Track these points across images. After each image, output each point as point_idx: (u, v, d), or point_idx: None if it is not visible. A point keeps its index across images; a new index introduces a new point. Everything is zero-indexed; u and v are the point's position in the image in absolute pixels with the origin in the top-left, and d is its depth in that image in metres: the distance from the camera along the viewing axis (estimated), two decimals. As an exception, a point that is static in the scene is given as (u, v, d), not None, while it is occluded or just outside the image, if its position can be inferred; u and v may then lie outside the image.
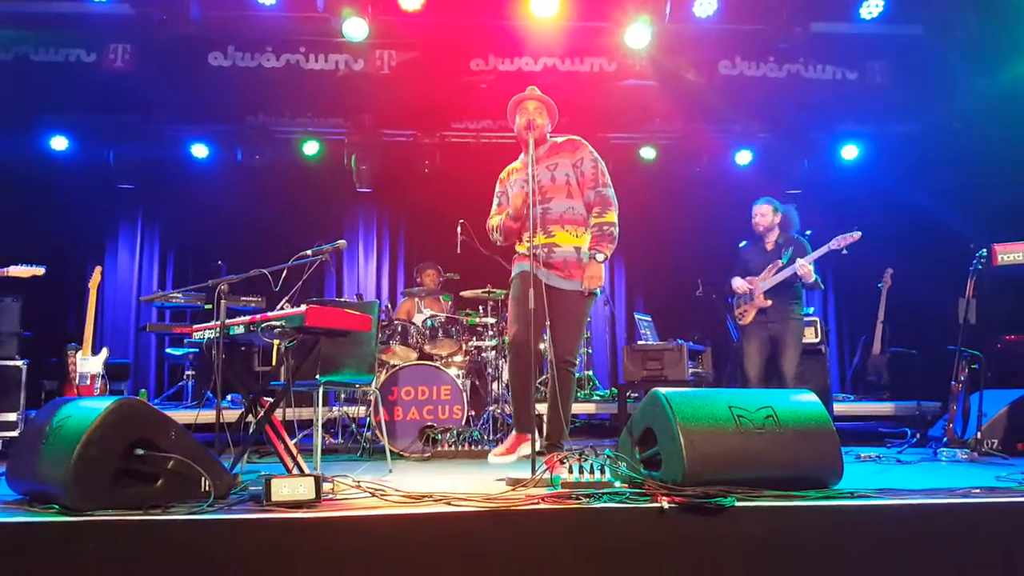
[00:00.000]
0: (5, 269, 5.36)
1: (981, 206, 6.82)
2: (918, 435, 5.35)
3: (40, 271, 5.47)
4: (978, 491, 3.02)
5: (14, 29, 7.18)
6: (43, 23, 7.21)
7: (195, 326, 3.85)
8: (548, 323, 3.79)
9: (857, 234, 5.34)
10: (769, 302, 5.44)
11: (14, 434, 5.34)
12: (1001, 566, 2.69)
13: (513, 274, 4.34)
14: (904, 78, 7.92)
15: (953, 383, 4.92)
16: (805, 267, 5.29)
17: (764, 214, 5.62)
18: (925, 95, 7.89)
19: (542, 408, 4.91)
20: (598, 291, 4.16)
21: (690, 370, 6.50)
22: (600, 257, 4.05)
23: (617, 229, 4.12)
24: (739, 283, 5.60)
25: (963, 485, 3.15)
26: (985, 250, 4.47)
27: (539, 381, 4.67)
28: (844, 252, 5.39)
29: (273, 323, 3.29)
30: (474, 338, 6.13)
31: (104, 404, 2.80)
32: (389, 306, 7.52)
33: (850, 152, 8.60)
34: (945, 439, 4.88)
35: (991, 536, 2.74)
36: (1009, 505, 2.83)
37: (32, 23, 7.19)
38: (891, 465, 4.41)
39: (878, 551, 2.68)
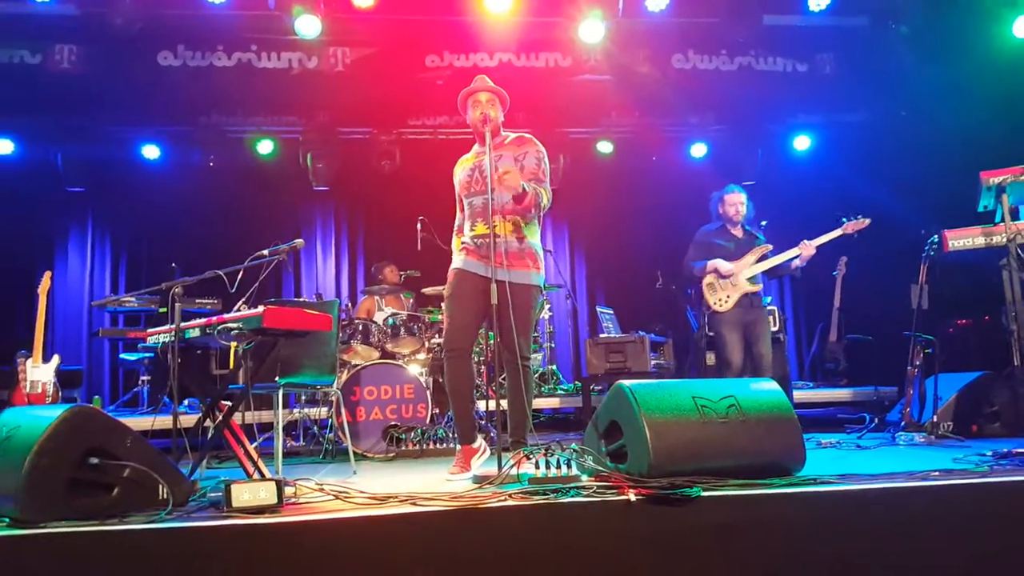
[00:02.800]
0: None
1: (930, 193, 6.96)
2: (876, 420, 5.45)
3: None
4: (937, 473, 3.07)
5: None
6: (-16, 24, 7.01)
7: (149, 330, 3.76)
8: (497, 320, 3.68)
9: (867, 220, 5.37)
10: (760, 286, 5.48)
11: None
12: (961, 546, 2.73)
13: (451, 267, 4.07)
14: (852, 69, 8.07)
15: (909, 368, 5.02)
16: (810, 249, 5.34)
17: (743, 202, 5.56)
18: (873, 86, 8.05)
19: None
20: (542, 279, 4.00)
21: (652, 361, 6.56)
22: (517, 183, 3.72)
23: (545, 201, 3.88)
24: (726, 266, 5.40)
25: (922, 468, 3.20)
26: (936, 236, 4.54)
27: (500, 378, 4.63)
28: (855, 237, 5.42)
29: (230, 325, 3.22)
30: (436, 335, 6.08)
31: (56, 412, 2.72)
32: (349, 305, 7.44)
33: (802, 143, 8.75)
34: (903, 423, 4.97)
35: (951, 517, 2.78)
36: (967, 486, 2.89)
37: (-27, 24, 6.97)
38: (851, 450, 4.47)
39: (842, 535, 2.72)
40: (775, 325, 6.73)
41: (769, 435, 3.12)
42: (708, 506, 2.70)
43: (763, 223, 5.79)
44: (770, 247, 5.50)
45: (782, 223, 5.63)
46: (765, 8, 7.39)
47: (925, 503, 2.81)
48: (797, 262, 5.44)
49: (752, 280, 5.45)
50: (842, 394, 7.05)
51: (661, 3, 7.16)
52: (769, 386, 3.35)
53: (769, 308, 6.65)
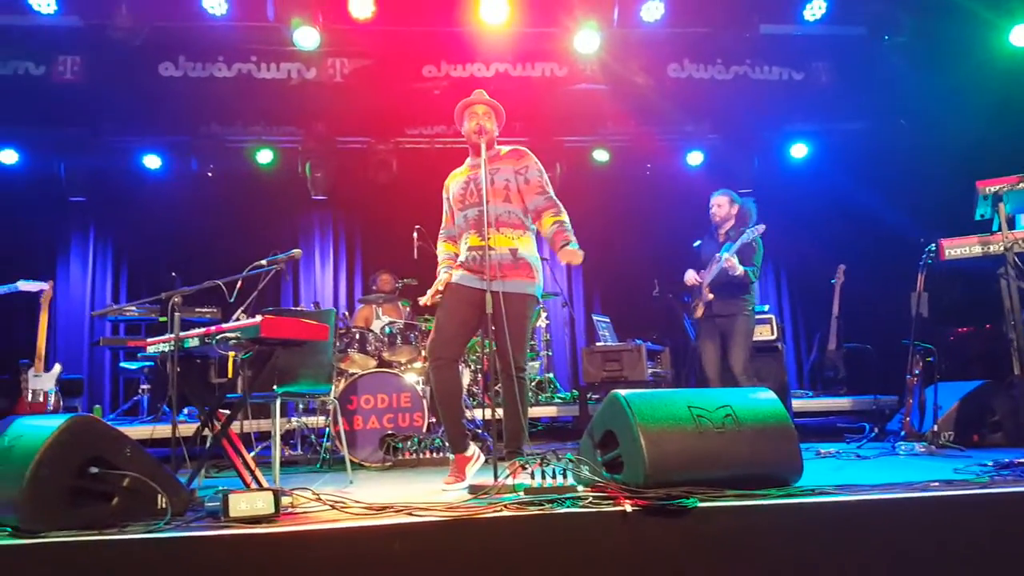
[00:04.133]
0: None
1: (928, 201, 6.97)
2: (876, 429, 5.42)
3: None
4: (936, 484, 3.02)
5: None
6: (-11, 37, 7.07)
7: (149, 340, 3.78)
8: (493, 331, 3.69)
9: (761, 227, 5.35)
10: (711, 296, 5.42)
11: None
12: (961, 558, 2.70)
13: (442, 279, 4.11)
14: (849, 77, 8.10)
15: (908, 377, 4.97)
16: (729, 260, 5.24)
17: (720, 204, 5.59)
18: (870, 94, 8.09)
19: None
20: (538, 289, 4.05)
21: (649, 370, 6.54)
22: (574, 245, 3.86)
23: (562, 209, 3.99)
24: (689, 276, 5.58)
25: (921, 479, 3.17)
26: (933, 245, 4.52)
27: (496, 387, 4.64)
28: (755, 245, 5.39)
29: (228, 335, 3.24)
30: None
31: (56, 422, 2.74)
32: (347, 314, 7.46)
33: (799, 151, 8.78)
34: (903, 433, 4.92)
35: (951, 528, 2.74)
36: (967, 498, 2.84)
37: (-23, 37, 7.04)
38: (850, 460, 4.43)
39: (840, 547, 2.68)
40: (773, 333, 6.67)
41: (766, 445, 3.10)
42: (705, 517, 2.67)
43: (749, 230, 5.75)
44: (717, 255, 5.40)
45: (780, 230, 5.64)
46: (760, 17, 7.42)
47: (925, 514, 2.77)
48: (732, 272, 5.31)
49: (711, 288, 5.44)
50: (842, 403, 7.01)
51: (656, 13, 7.20)
52: (766, 396, 3.33)
53: (765, 316, 6.63)
